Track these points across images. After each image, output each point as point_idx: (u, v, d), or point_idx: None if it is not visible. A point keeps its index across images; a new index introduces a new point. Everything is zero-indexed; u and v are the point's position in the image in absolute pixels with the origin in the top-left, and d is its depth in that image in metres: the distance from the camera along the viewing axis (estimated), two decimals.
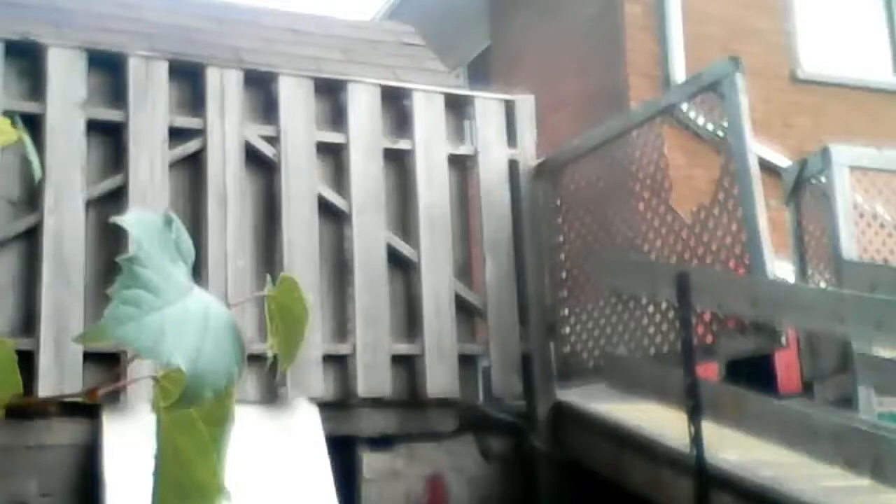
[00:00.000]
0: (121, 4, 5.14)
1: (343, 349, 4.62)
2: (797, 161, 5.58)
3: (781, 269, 4.81)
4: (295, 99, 4.77)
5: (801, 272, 5.16)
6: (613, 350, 4.80)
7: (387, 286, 4.75)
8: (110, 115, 4.47)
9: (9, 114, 0.95)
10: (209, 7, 5.71)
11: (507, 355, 4.92)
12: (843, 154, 5.01)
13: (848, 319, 3.68)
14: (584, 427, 4.76)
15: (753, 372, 5.12)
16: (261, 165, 4.70)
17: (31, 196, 4.27)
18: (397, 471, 4.61)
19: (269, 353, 0.86)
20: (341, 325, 4.69)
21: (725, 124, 4.39)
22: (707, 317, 4.37)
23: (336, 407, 4.53)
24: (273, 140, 4.71)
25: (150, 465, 0.77)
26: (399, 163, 4.98)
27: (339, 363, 4.61)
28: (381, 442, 4.60)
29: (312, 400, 4.44)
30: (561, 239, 5.19)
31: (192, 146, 4.57)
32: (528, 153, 5.23)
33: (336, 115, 4.90)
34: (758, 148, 4.60)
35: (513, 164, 5.19)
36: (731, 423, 3.97)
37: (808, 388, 5.14)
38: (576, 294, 5.10)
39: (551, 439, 4.84)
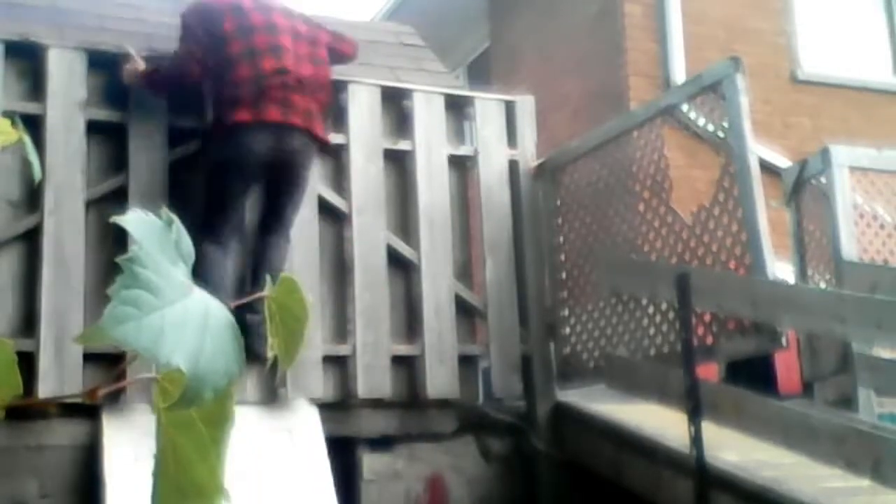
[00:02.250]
0: (121, 4, 5.13)
1: (343, 350, 4.62)
2: (797, 161, 5.58)
3: (781, 269, 4.81)
4: None
5: (802, 273, 5.16)
6: (613, 351, 4.80)
7: (387, 287, 4.75)
8: (110, 115, 4.47)
9: (9, 114, 0.95)
10: None
11: (508, 356, 4.92)
12: (843, 154, 5.01)
13: (848, 320, 3.68)
14: (584, 427, 4.76)
15: (753, 373, 5.12)
16: None
17: (32, 197, 4.27)
18: (397, 471, 4.61)
19: (269, 354, 0.86)
20: (341, 326, 4.69)
21: (726, 125, 4.38)
22: (707, 317, 4.37)
23: (336, 408, 4.53)
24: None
25: (150, 465, 0.77)
26: (399, 163, 4.98)
27: (338, 364, 4.61)
28: (381, 443, 4.60)
29: (312, 401, 4.44)
30: (561, 239, 5.19)
31: (192, 146, 4.57)
32: (528, 153, 5.23)
33: (336, 116, 4.90)
34: (758, 148, 4.60)
35: (513, 165, 5.19)
36: (731, 424, 3.97)
37: (808, 389, 5.14)
38: (576, 295, 5.10)
39: (551, 440, 4.84)
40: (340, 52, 4.72)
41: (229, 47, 4.35)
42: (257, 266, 4.45)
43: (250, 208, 4.55)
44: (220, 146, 4.36)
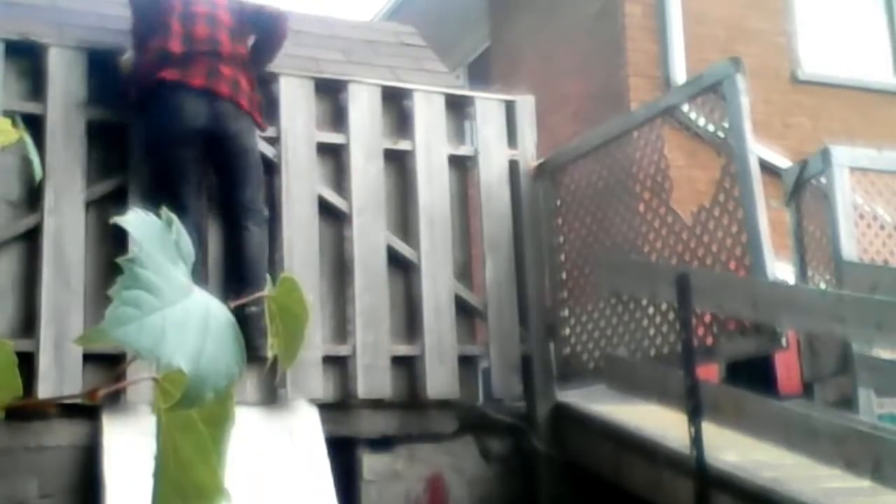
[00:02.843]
0: (121, 4, 5.13)
1: (343, 350, 4.62)
2: (797, 162, 5.58)
3: (781, 269, 4.81)
4: (295, 99, 4.77)
5: (802, 273, 5.16)
6: (613, 351, 4.80)
7: (387, 287, 4.75)
8: (110, 115, 4.47)
9: (9, 114, 0.95)
10: None
11: (507, 356, 4.92)
12: (843, 155, 5.01)
13: (848, 321, 3.68)
14: (584, 428, 4.76)
15: (753, 373, 5.12)
16: None
17: (32, 197, 4.27)
18: (397, 472, 4.61)
19: (269, 354, 0.86)
20: (341, 327, 4.69)
21: (726, 125, 4.38)
22: (707, 318, 4.37)
23: (336, 408, 4.53)
24: (273, 140, 4.71)
25: (150, 466, 0.76)
26: (399, 163, 4.98)
27: (338, 364, 4.61)
28: (381, 443, 4.60)
29: (312, 401, 4.44)
30: (561, 240, 5.19)
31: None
32: (529, 153, 5.22)
33: (336, 116, 4.90)
34: (758, 149, 4.59)
35: (513, 165, 5.19)
36: (732, 425, 3.97)
37: (808, 390, 5.14)
38: (576, 295, 5.10)
39: (551, 440, 4.84)
40: (269, 27, 4.66)
41: (169, 4, 4.44)
42: (235, 261, 4.45)
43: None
44: (149, 113, 4.38)
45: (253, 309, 3.74)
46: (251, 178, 4.50)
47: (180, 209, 4.31)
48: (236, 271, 4.42)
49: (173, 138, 4.35)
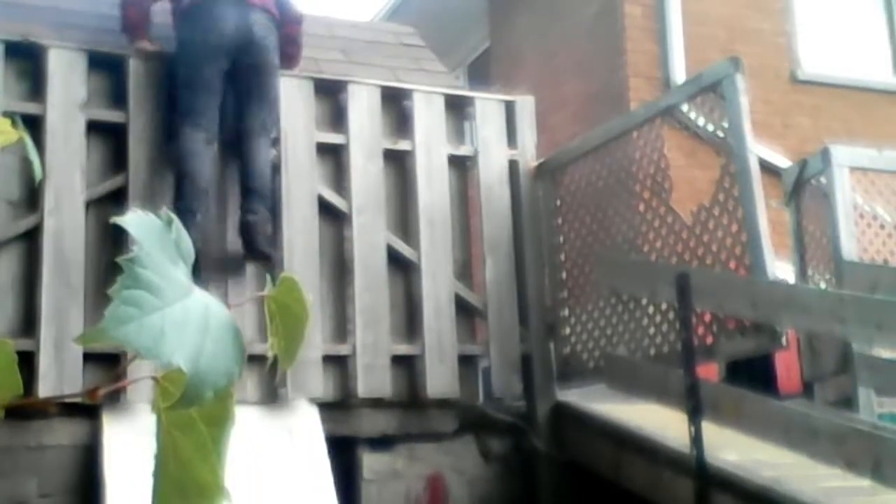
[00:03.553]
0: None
1: (343, 350, 4.62)
2: (797, 161, 5.58)
3: (781, 269, 4.81)
4: (295, 100, 4.77)
5: (802, 273, 5.16)
6: (613, 350, 4.80)
7: (387, 287, 4.75)
8: (111, 115, 4.48)
9: (9, 114, 0.95)
10: None
11: (507, 356, 4.92)
12: (843, 155, 5.01)
13: (848, 320, 3.68)
14: (584, 427, 4.76)
15: (753, 373, 5.12)
16: None
17: (32, 197, 4.27)
18: (397, 471, 4.61)
19: (269, 354, 0.86)
20: (341, 326, 4.69)
21: (725, 125, 4.39)
22: (707, 317, 4.37)
23: (336, 407, 4.53)
24: (273, 141, 4.71)
25: (150, 465, 0.77)
26: (399, 163, 4.99)
27: (339, 364, 4.61)
28: (381, 442, 4.60)
29: (312, 400, 4.44)
30: (561, 239, 5.19)
31: None
32: (528, 154, 5.23)
33: (336, 116, 4.90)
34: (758, 148, 4.60)
35: (513, 165, 5.19)
36: (732, 424, 3.97)
37: (808, 389, 5.14)
38: (576, 295, 5.10)
39: (551, 440, 4.84)
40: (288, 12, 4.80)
41: None
42: (242, 173, 4.54)
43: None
44: (184, 26, 4.53)
45: (255, 216, 4.22)
46: (269, 96, 4.61)
47: (197, 123, 4.42)
48: (243, 182, 4.51)
49: (206, 51, 4.48)
